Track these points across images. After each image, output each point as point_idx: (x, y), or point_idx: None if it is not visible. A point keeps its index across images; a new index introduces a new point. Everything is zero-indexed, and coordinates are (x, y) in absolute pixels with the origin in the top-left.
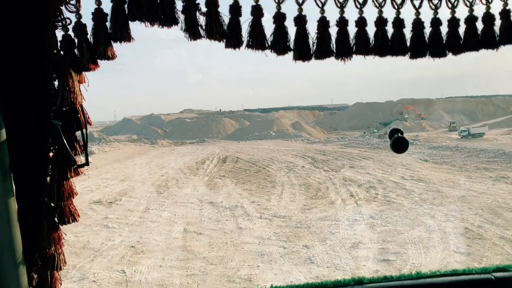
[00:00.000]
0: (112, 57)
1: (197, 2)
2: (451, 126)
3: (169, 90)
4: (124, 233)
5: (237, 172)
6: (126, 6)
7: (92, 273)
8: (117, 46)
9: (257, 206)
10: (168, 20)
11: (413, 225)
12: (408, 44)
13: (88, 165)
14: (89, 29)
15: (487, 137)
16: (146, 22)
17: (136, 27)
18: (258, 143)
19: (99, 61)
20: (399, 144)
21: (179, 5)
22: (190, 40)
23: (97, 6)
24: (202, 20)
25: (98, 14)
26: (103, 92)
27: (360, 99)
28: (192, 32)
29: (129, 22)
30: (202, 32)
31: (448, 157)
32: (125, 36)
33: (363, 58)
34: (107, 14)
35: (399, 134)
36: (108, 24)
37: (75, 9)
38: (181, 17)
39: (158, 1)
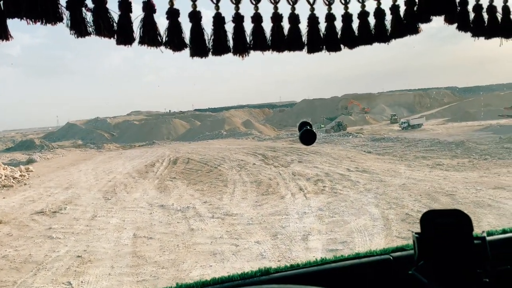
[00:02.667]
0: None
1: None
2: (392, 118)
3: (116, 92)
4: (69, 243)
5: (188, 173)
6: (1, 2)
7: (35, 287)
8: (56, 48)
9: (209, 206)
10: (50, 17)
11: (359, 214)
12: (304, 39)
13: None
14: None
15: (424, 127)
16: (26, 19)
17: None
18: (210, 143)
19: None
20: (307, 137)
21: (63, 1)
22: (77, 37)
23: None
24: (89, 16)
25: None
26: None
27: (307, 95)
28: (78, 29)
29: (7, 19)
30: (89, 29)
31: (390, 148)
32: (1, 34)
33: (309, 56)
34: None
35: (308, 127)
36: None
37: None
38: (66, 13)
39: None
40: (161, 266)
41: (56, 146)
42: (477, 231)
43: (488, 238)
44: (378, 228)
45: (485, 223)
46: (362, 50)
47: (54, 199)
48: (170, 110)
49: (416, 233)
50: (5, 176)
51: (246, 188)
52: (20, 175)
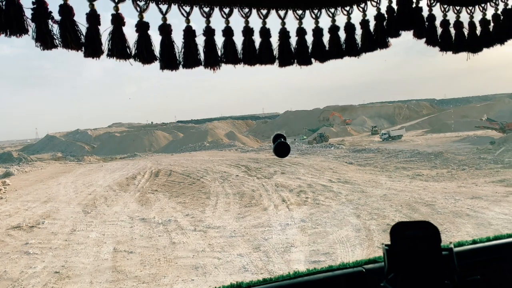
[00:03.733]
0: None
1: (49, 10)
2: (373, 130)
3: (97, 104)
4: (47, 259)
5: (170, 186)
6: None
7: None
8: (34, 59)
9: (191, 219)
10: (14, 29)
11: (341, 225)
12: (275, 53)
13: None
14: None
15: (404, 138)
16: None
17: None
18: (193, 155)
19: None
20: (280, 149)
21: (28, 13)
22: (43, 49)
23: None
24: (56, 28)
25: None
26: (22, 108)
27: (290, 107)
28: (44, 41)
29: None
30: (56, 42)
31: (371, 159)
32: None
33: (291, 68)
34: None
35: (282, 140)
36: None
37: None
38: (31, 25)
39: (2, 7)
40: (142, 280)
41: (35, 159)
42: (445, 242)
43: (458, 248)
44: (360, 239)
45: (463, 233)
46: (341, 62)
47: (32, 213)
48: (152, 122)
49: (386, 245)
50: None
51: (229, 200)
52: None
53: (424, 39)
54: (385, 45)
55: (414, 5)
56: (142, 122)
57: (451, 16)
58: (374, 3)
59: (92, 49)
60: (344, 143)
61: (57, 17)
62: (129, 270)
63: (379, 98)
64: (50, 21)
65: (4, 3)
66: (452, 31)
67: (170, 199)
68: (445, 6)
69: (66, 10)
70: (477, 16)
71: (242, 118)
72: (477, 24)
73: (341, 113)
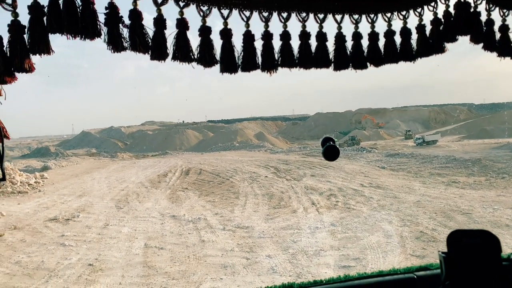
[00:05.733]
0: (29, 69)
1: (120, 15)
2: (407, 134)
3: (130, 101)
4: (81, 251)
5: (200, 184)
6: (45, 18)
7: None
8: (74, 57)
9: (220, 218)
10: (89, 32)
11: (372, 231)
12: (331, 56)
13: (5, 180)
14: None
15: (440, 144)
16: (67, 35)
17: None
18: (222, 154)
19: (17, 74)
20: (330, 152)
21: (102, 17)
22: (114, 52)
23: (13, 18)
24: (125, 32)
25: (14, 27)
26: (60, 105)
27: (321, 109)
28: (115, 44)
29: (49, 34)
30: (125, 44)
31: (404, 164)
32: (43, 49)
33: (322, 70)
34: (24, 26)
35: (331, 143)
36: (26, 36)
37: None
38: (104, 29)
39: (79, 13)
40: (172, 277)
41: (71, 154)
42: (505, 252)
43: None
44: (392, 246)
45: (503, 244)
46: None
47: (68, 206)
48: (183, 121)
49: (443, 252)
50: (21, 182)
51: (257, 201)
52: (35, 182)
53: (481, 44)
54: (441, 50)
55: (472, 10)
56: (174, 121)
57: (510, 21)
58: (431, 8)
59: (159, 52)
60: (377, 147)
61: (126, 21)
62: (159, 266)
63: (414, 101)
64: (120, 25)
65: (80, 9)
66: (511, 36)
67: (199, 198)
68: (504, 10)
69: (135, 15)
70: None
71: (272, 119)
72: None
73: (374, 116)
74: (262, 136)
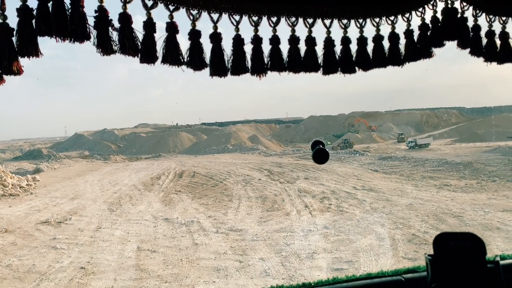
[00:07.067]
0: (18, 72)
1: (109, 18)
2: (399, 137)
3: (123, 104)
4: (73, 254)
5: (193, 187)
6: (34, 21)
7: None
8: (66, 59)
9: (214, 221)
10: (78, 35)
11: (365, 234)
12: (320, 61)
13: None
14: None
15: (432, 147)
16: (56, 37)
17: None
18: (216, 157)
19: (5, 76)
20: (319, 155)
21: (91, 20)
22: (103, 55)
23: (2, 21)
24: (115, 35)
25: (3, 29)
26: (53, 107)
27: (314, 112)
28: (104, 47)
29: (38, 37)
30: (115, 47)
31: (397, 167)
32: (32, 51)
33: (315, 74)
34: (13, 29)
35: (320, 146)
36: (15, 38)
37: None
38: (93, 32)
39: (68, 16)
40: (164, 280)
41: (63, 157)
42: (490, 255)
43: (504, 262)
44: (384, 248)
45: (493, 247)
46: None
47: (60, 209)
48: (177, 123)
49: (429, 255)
50: (12, 185)
51: (251, 204)
52: (27, 184)
53: (468, 49)
54: (428, 55)
55: (459, 15)
56: (168, 123)
57: (497, 27)
58: (419, 13)
59: (148, 55)
60: (369, 150)
61: (116, 25)
62: (152, 269)
63: (406, 105)
64: (110, 28)
65: (69, 11)
66: (498, 41)
67: (193, 200)
68: (491, 16)
69: (125, 18)
70: None
71: (265, 121)
72: None
73: (366, 119)
74: (256, 138)
